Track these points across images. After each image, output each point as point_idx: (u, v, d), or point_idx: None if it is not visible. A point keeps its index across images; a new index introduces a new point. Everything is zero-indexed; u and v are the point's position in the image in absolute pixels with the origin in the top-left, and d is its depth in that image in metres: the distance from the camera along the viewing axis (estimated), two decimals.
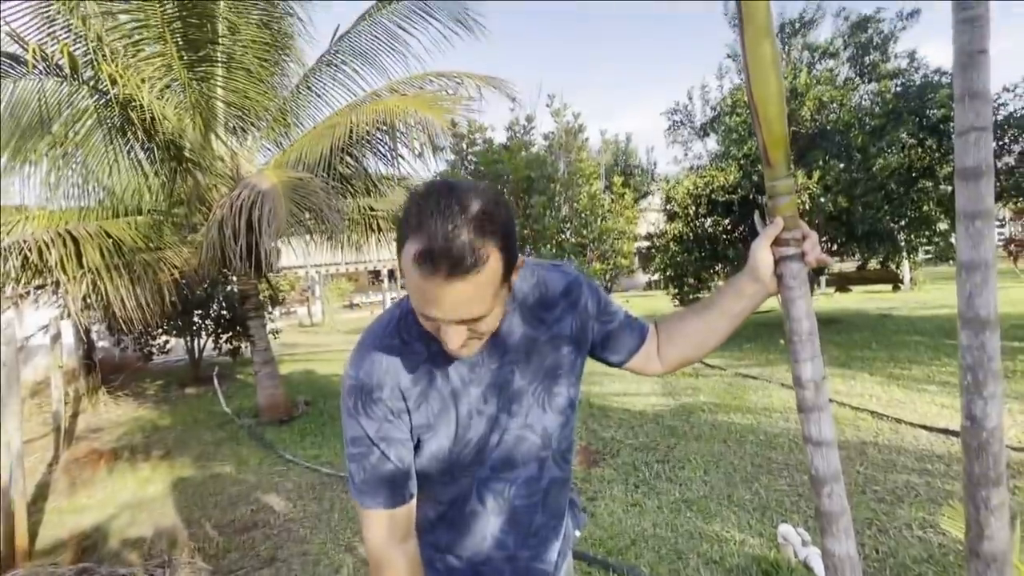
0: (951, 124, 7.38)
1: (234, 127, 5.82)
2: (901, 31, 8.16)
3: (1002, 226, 22.86)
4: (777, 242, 0.95)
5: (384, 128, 4.92)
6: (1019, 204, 8.01)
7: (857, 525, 2.73)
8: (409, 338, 0.90)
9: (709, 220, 7.95)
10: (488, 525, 1.00)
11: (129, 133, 4.91)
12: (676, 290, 8.72)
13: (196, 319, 8.75)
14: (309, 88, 6.01)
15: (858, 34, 8.22)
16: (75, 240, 4.62)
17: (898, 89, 7.77)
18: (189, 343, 9.02)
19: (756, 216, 1.02)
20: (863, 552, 2.48)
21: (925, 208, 7.77)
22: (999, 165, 7.56)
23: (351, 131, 4.79)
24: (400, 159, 5.41)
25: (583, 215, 5.53)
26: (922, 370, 5.65)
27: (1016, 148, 7.51)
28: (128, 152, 5.21)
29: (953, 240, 8.72)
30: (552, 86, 18.78)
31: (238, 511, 3.62)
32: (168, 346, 9.33)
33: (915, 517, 2.76)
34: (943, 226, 7.91)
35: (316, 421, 5.76)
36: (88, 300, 4.83)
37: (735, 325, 1.05)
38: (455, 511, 1.00)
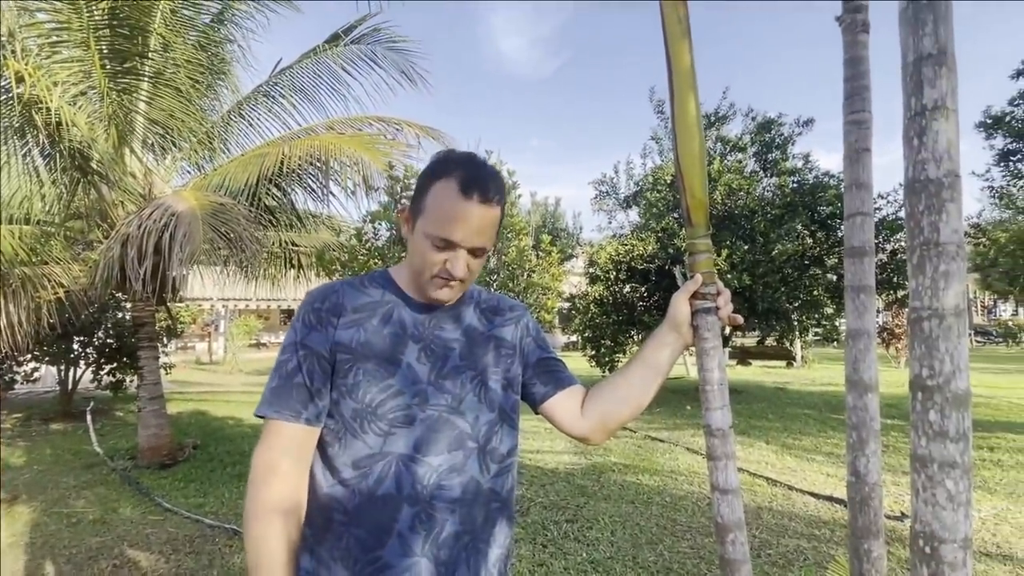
0: (837, 220, 8.38)
1: (153, 144, 5.50)
2: (798, 135, 9.29)
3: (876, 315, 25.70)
4: (695, 296, 1.02)
5: (318, 164, 4.85)
6: (889, 296, 9.06)
7: None
8: (370, 284, 1.03)
9: (628, 286, 8.35)
10: (398, 517, 0.90)
11: (29, 135, 4.51)
12: (593, 351, 8.96)
13: (76, 346, 7.85)
14: (242, 116, 5.84)
15: (763, 133, 9.25)
16: None
17: (794, 185, 8.74)
18: (63, 372, 8.04)
19: (677, 271, 1.09)
20: None
21: (815, 292, 8.60)
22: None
23: (282, 162, 4.68)
24: (331, 196, 5.31)
25: (511, 268, 5.64)
26: (811, 440, 6.08)
27: (887, 247, 8.58)
28: (24, 155, 4.76)
29: (838, 323, 9.69)
30: (490, 143, 19.45)
31: (97, 566, 3.16)
32: (36, 374, 8.25)
33: None
34: (829, 310, 8.76)
35: (204, 467, 5.24)
36: None
37: (655, 379, 1.07)
38: (367, 484, 0.90)
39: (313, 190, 5.67)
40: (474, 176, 0.91)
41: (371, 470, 0.91)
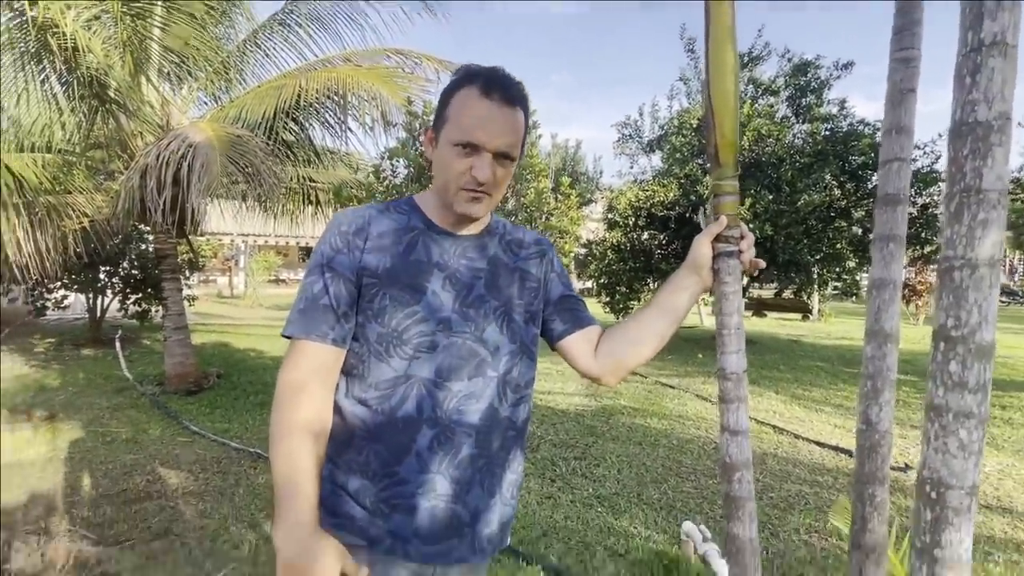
0: (870, 171, 8.08)
1: (169, 73, 5.41)
2: (835, 79, 8.80)
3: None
4: (717, 239, 1.00)
5: (335, 98, 4.75)
6: (915, 251, 8.82)
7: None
8: (396, 211, 1.02)
9: (647, 233, 8.23)
10: (418, 437, 0.93)
11: (45, 61, 4.45)
12: (608, 298, 8.97)
13: (103, 276, 8.06)
14: (257, 45, 5.69)
15: (798, 76, 8.79)
16: None
17: (827, 132, 8.38)
18: (91, 300, 8.30)
19: (700, 213, 1.07)
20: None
21: (838, 246, 8.41)
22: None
23: (299, 95, 4.59)
24: (349, 132, 5.23)
25: (529, 210, 5.58)
26: (821, 392, 6.13)
27: (918, 201, 8.29)
28: (42, 82, 4.72)
29: (859, 278, 9.52)
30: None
31: (131, 481, 3.37)
32: (66, 301, 8.54)
33: (803, 523, 2.98)
34: (851, 263, 8.59)
35: (228, 395, 5.46)
36: None
37: (672, 323, 1.07)
38: (389, 405, 0.93)
39: (331, 125, 5.58)
40: (495, 78, 0.94)
41: (394, 392, 0.94)
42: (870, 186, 8.16)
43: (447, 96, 0.97)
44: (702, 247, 1.01)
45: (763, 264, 1.04)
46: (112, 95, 4.74)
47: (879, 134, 8.44)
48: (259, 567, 2.46)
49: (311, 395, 0.92)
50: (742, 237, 0.99)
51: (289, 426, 0.90)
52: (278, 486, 0.89)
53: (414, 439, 0.94)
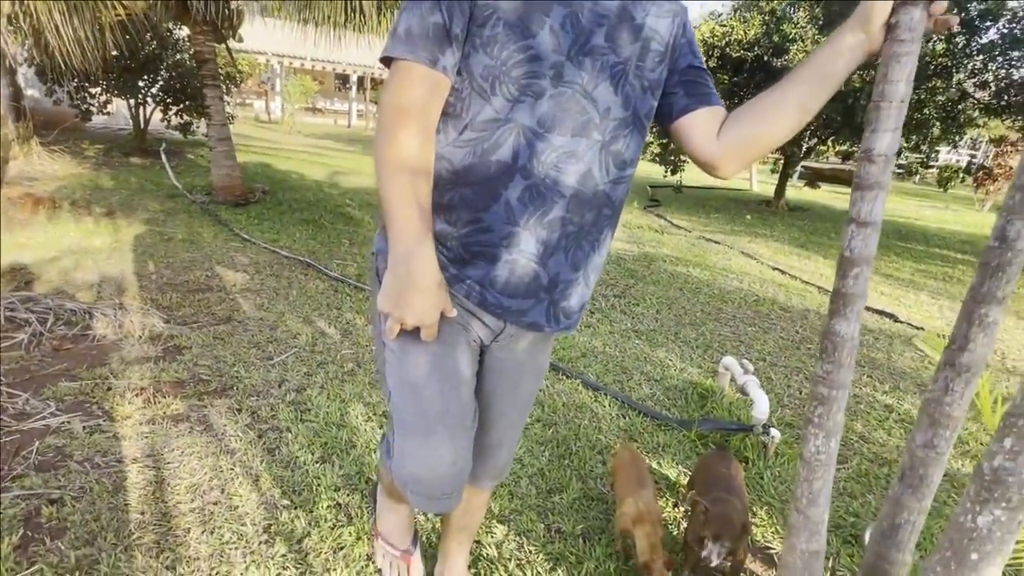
0: (989, 22, 6.94)
1: None
2: None
3: (975, 148, 23.13)
4: None
5: None
6: (1017, 122, 7.83)
7: (789, 371, 2.97)
8: None
9: (716, 78, 7.47)
10: (509, 185, 0.87)
11: None
12: (660, 149, 8.47)
13: (142, 83, 7.87)
14: None
15: None
16: None
17: None
18: (134, 109, 8.21)
19: None
20: (792, 391, 2.73)
21: (926, 111, 7.56)
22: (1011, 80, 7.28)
23: None
24: None
25: None
26: None
27: (1017, 74, 7.19)
28: None
29: (937, 151, 8.69)
30: None
31: (192, 274, 3.55)
32: (109, 108, 8.47)
33: None
34: (936, 132, 7.79)
35: (275, 209, 5.56)
36: (14, 19, 4.15)
37: (821, 94, 0.90)
38: (484, 147, 0.87)
39: None
40: None
41: (491, 134, 0.86)
42: (984, 40, 7.06)
43: None
44: None
45: (956, 22, 0.84)
46: None
47: None
48: (316, 355, 2.64)
49: (419, 123, 0.84)
50: None
51: (398, 163, 0.84)
52: (391, 210, 0.85)
53: (505, 187, 0.87)
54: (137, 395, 2.16)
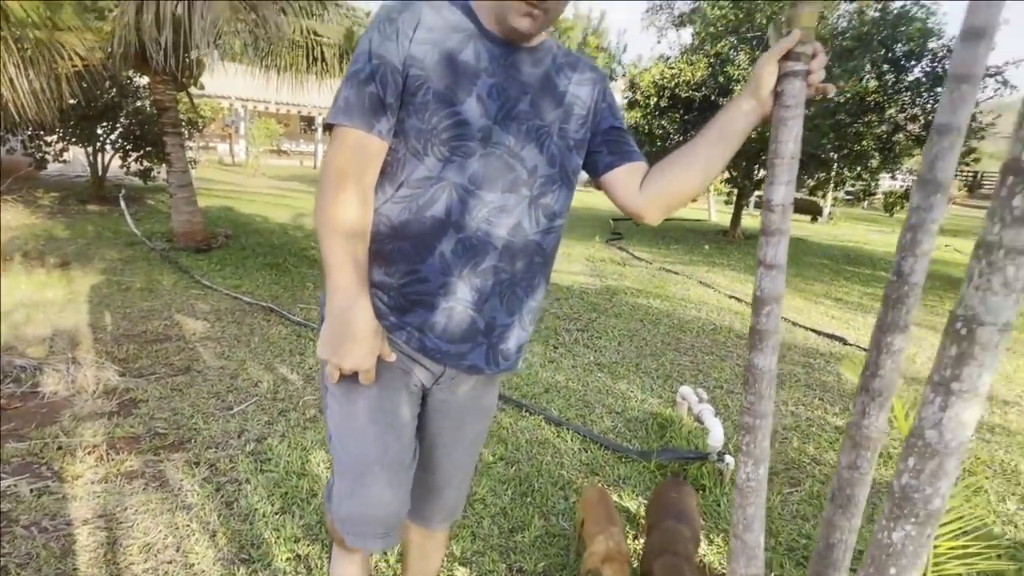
0: (913, 62, 7.52)
1: None
2: None
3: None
4: (787, 56, 0.91)
5: None
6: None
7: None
8: (450, 9, 0.95)
9: (667, 117, 7.84)
10: (443, 239, 0.93)
11: None
12: None
13: (101, 131, 7.80)
14: None
15: None
16: None
17: (876, 14, 7.67)
18: (91, 156, 8.11)
19: (771, 28, 0.96)
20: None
21: (864, 143, 8.06)
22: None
23: None
24: None
25: None
26: (822, 287, 6.21)
27: None
28: None
29: (879, 180, 9.23)
30: None
31: (150, 324, 3.50)
32: (66, 156, 8.34)
33: (792, 396, 3.14)
34: (875, 163, 8.29)
35: (237, 255, 5.52)
36: None
37: (724, 151, 1.01)
38: (419, 204, 0.93)
39: None
40: None
41: (426, 191, 0.93)
42: (911, 78, 7.64)
43: None
44: (768, 65, 0.92)
45: (832, 90, 0.96)
46: None
47: (931, 18, 7.66)
48: (278, 402, 2.62)
49: (357, 185, 0.91)
50: (814, 55, 0.91)
51: (337, 223, 0.90)
52: (329, 265, 0.91)
53: (439, 241, 0.94)
54: (89, 453, 2.10)
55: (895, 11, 7.63)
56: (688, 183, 1.03)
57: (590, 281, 5.56)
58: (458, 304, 0.96)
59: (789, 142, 0.95)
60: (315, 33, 6.04)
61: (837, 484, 1.26)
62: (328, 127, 0.94)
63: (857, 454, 1.21)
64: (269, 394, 2.69)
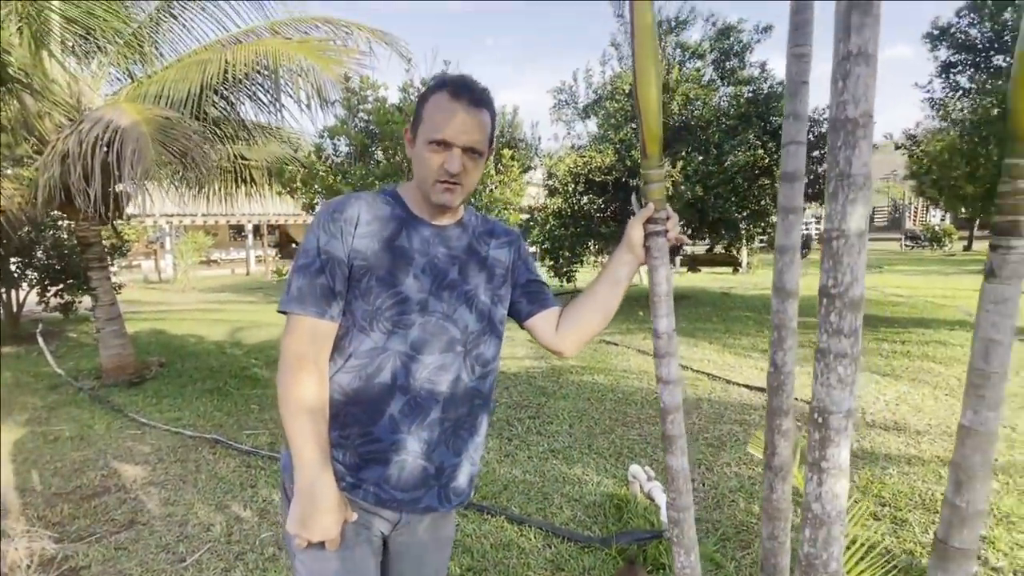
0: None
1: (73, 47, 5.03)
2: (756, 43, 9.21)
3: (818, 222, 27.05)
4: (648, 221, 1.17)
5: (265, 72, 4.58)
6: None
7: (691, 467, 3.25)
8: (382, 201, 1.14)
9: (585, 198, 8.47)
10: (391, 402, 1.07)
11: None
12: (552, 262, 9.22)
13: (14, 268, 7.50)
14: (172, 16, 5.35)
15: (722, 40, 9.13)
16: None
17: (750, 95, 8.81)
18: (5, 295, 7.73)
19: (634, 198, 1.23)
20: (693, 485, 2.98)
21: (763, 202, 8.97)
22: (817, 171, 8.97)
23: (226, 70, 4.40)
24: (283, 109, 5.06)
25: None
26: (749, 340, 6.66)
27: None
28: None
29: None
30: (447, 54, 18.84)
31: (84, 477, 3.32)
32: None
33: (733, 457, 3.35)
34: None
35: (174, 383, 5.34)
36: None
37: (616, 292, 1.24)
38: (368, 372, 1.07)
39: (263, 102, 5.38)
40: (463, 84, 1.08)
41: (373, 361, 1.07)
42: None
43: (422, 101, 1.11)
44: (635, 230, 1.17)
45: (687, 240, 1.23)
46: (13, 73, 4.38)
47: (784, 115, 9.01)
48: (233, 545, 2.55)
49: (312, 366, 1.05)
50: (668, 218, 1.16)
51: (299, 404, 1.03)
52: (295, 445, 1.03)
53: (387, 404, 1.08)
54: None
55: (765, 91, 8.79)
56: (593, 322, 1.26)
57: (535, 364, 5.74)
58: (409, 456, 1.09)
59: (662, 283, 1.19)
60: (242, 157, 6.26)
61: (763, 555, 1.44)
62: (283, 313, 1.08)
63: (774, 526, 1.41)
64: (223, 538, 2.61)
